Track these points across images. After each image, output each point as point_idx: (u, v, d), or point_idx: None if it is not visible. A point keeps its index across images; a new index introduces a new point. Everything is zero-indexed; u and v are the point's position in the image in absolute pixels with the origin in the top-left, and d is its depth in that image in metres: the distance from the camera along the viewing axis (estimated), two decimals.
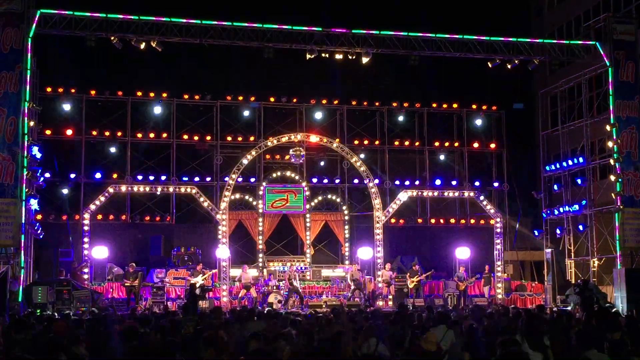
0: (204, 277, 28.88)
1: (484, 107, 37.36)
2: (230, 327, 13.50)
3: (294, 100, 35.76)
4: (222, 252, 30.44)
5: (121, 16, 27.29)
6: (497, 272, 31.23)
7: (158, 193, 32.90)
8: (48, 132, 32.59)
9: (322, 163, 35.44)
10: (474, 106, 37.31)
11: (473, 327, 13.17)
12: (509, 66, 30.34)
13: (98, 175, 33.49)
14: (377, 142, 36.61)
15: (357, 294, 30.05)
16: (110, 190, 30.91)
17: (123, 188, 31.90)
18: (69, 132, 33.43)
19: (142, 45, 27.44)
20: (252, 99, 35.01)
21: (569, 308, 25.95)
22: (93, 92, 34.01)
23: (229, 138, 34.91)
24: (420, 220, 36.22)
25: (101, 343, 10.66)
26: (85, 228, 30.38)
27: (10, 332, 12.57)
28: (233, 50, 30.50)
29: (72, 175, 33.03)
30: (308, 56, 28.83)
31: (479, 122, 37.19)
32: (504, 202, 36.22)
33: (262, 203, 33.36)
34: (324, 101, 35.78)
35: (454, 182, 36.45)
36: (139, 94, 34.45)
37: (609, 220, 30.41)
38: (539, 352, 10.56)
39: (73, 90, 33.51)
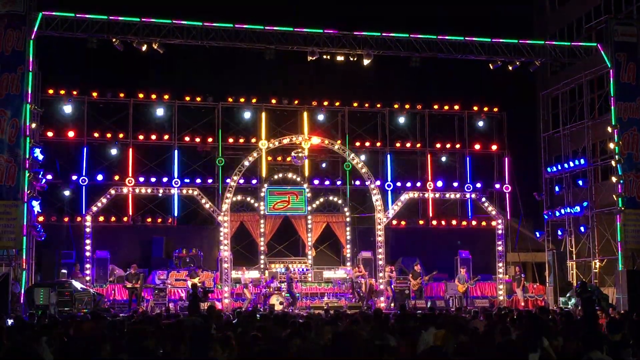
0: (198, 278, 28.97)
1: (486, 109, 37.37)
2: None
3: (296, 102, 35.80)
4: (224, 254, 30.47)
5: (123, 18, 27.35)
6: (499, 274, 31.24)
7: (160, 195, 32.92)
8: (50, 133, 32.64)
9: (323, 165, 35.45)
10: (475, 108, 37.34)
11: (477, 330, 13.17)
12: (510, 68, 30.37)
13: (100, 177, 33.53)
14: (378, 144, 36.63)
15: (356, 296, 30.16)
16: (112, 192, 30.90)
17: (125, 190, 31.93)
18: (71, 133, 33.46)
19: (144, 47, 27.49)
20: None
21: (570, 309, 25.94)
22: (95, 94, 34.04)
23: (231, 140, 34.93)
24: (421, 222, 36.24)
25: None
26: (87, 230, 30.38)
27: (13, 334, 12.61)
28: (235, 52, 30.52)
29: (74, 177, 33.05)
30: (309, 58, 28.88)
31: (480, 123, 37.19)
32: (505, 204, 36.22)
33: (263, 205, 33.37)
34: (326, 103, 35.80)
35: (455, 184, 36.44)
36: (141, 95, 34.48)
37: (610, 221, 30.39)
38: (538, 353, 10.59)
39: (75, 92, 33.53)
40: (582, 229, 31.78)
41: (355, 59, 29.37)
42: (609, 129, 29.99)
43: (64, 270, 29.23)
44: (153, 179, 33.62)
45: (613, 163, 29.82)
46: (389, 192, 35.30)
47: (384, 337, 11.85)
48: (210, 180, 34.48)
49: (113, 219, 33.17)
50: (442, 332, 11.82)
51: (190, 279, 28.95)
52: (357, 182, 35.03)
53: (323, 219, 34.74)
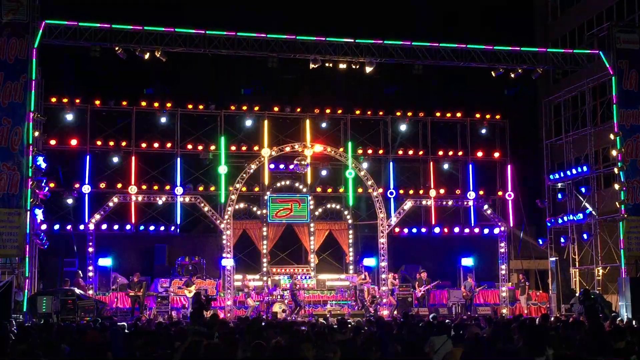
0: (194, 286, 28.96)
1: (488, 116, 37.34)
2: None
3: (298, 109, 35.78)
4: (227, 261, 30.49)
5: (125, 27, 27.41)
6: (502, 281, 31.20)
7: (162, 203, 32.90)
8: (53, 142, 32.65)
9: (325, 172, 35.43)
10: (477, 115, 37.30)
11: (478, 336, 13.15)
12: (512, 75, 30.39)
13: (102, 185, 33.52)
14: (381, 151, 36.61)
15: (359, 303, 30.14)
16: (115, 200, 30.96)
17: (127, 198, 31.95)
18: (74, 142, 33.49)
19: (147, 56, 27.55)
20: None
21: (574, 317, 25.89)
22: (97, 102, 34.06)
23: (233, 147, 34.93)
24: (424, 229, 36.19)
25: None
26: (90, 238, 30.42)
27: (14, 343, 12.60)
28: (237, 60, 30.58)
29: (77, 185, 33.04)
30: (312, 66, 28.92)
31: (482, 131, 37.14)
32: (508, 211, 36.18)
33: (266, 212, 33.36)
34: (328, 110, 35.77)
35: (458, 191, 36.42)
36: (144, 103, 34.48)
37: (613, 228, 30.36)
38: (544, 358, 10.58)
39: (77, 101, 33.55)
40: (585, 236, 31.74)
41: (357, 66, 29.41)
42: (612, 136, 30.01)
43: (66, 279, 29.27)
44: (156, 187, 33.62)
45: (616, 170, 29.83)
46: (392, 199, 35.27)
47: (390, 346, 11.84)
48: (212, 188, 34.47)
49: (116, 227, 33.12)
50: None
51: (187, 288, 28.94)
52: (360, 190, 35.00)
53: (325, 227, 34.73)
